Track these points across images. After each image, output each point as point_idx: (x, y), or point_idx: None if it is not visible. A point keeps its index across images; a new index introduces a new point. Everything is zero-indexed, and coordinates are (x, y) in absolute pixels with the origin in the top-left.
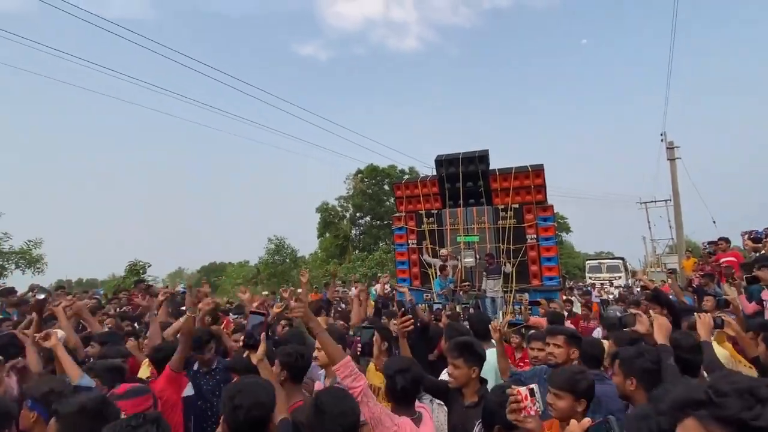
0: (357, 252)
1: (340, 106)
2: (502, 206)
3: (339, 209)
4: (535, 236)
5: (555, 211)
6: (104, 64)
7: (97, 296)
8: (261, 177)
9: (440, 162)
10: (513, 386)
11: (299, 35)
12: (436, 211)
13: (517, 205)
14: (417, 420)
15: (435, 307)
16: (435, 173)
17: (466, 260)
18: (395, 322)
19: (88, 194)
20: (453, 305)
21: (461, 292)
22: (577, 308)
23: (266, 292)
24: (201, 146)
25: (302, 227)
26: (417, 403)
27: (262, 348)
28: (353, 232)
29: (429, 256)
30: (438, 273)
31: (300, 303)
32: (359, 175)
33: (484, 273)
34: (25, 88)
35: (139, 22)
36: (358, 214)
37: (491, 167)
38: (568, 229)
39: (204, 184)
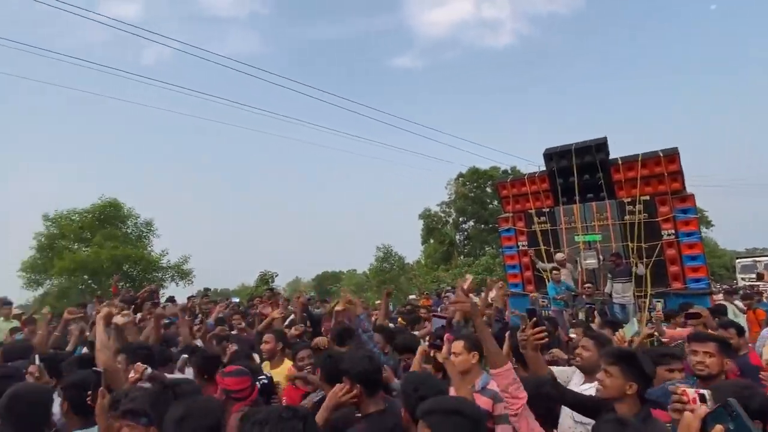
0: (462, 257)
1: (437, 111)
2: (628, 199)
3: (441, 215)
4: (673, 231)
5: (695, 203)
6: (237, 99)
7: (235, 303)
8: (367, 188)
9: (550, 156)
10: (679, 385)
11: (392, 48)
12: (548, 210)
13: (647, 197)
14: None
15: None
16: (543, 169)
17: (587, 262)
18: (522, 333)
19: (219, 209)
20: (575, 311)
21: (583, 296)
22: (736, 316)
23: (378, 301)
24: (313, 164)
25: (407, 234)
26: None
27: (445, 348)
28: (458, 237)
29: (544, 261)
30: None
31: (463, 297)
32: (460, 179)
33: (610, 276)
34: (172, 124)
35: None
36: (461, 219)
37: (611, 156)
38: (708, 223)
39: (317, 197)
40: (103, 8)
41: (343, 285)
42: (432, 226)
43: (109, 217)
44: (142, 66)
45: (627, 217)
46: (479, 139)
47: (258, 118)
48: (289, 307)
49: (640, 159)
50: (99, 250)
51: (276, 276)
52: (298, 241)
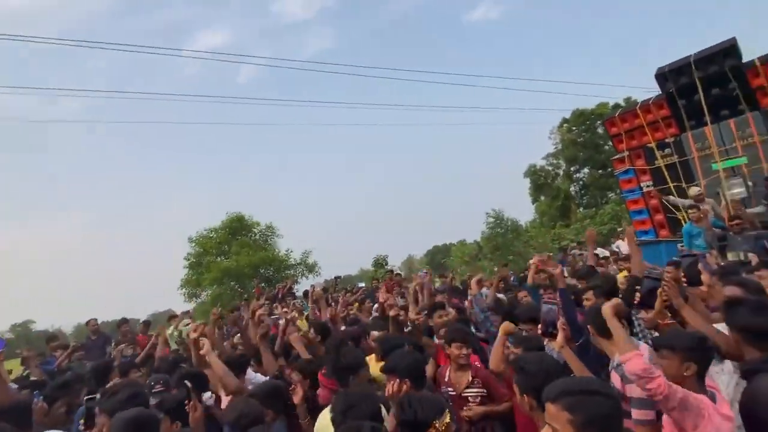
0: (582, 209)
1: (527, 60)
2: None
3: (549, 168)
4: None
5: None
6: (322, 98)
7: (362, 287)
8: (468, 156)
9: (663, 75)
10: None
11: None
12: (672, 139)
13: None
14: (711, 398)
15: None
16: (660, 93)
17: (733, 192)
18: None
19: (330, 202)
20: (715, 255)
21: (732, 234)
22: None
23: (497, 268)
24: (411, 144)
25: (516, 197)
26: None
27: (560, 336)
28: (572, 188)
29: (674, 195)
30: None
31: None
32: (565, 125)
33: (765, 204)
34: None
35: (330, 51)
36: (572, 168)
37: (744, 60)
38: None
39: (420, 174)
40: (187, 43)
41: (454, 257)
42: (540, 182)
43: (237, 229)
44: (238, 86)
45: None
46: (580, 77)
47: (342, 111)
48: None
49: None
50: (237, 258)
51: (387, 257)
52: (408, 220)
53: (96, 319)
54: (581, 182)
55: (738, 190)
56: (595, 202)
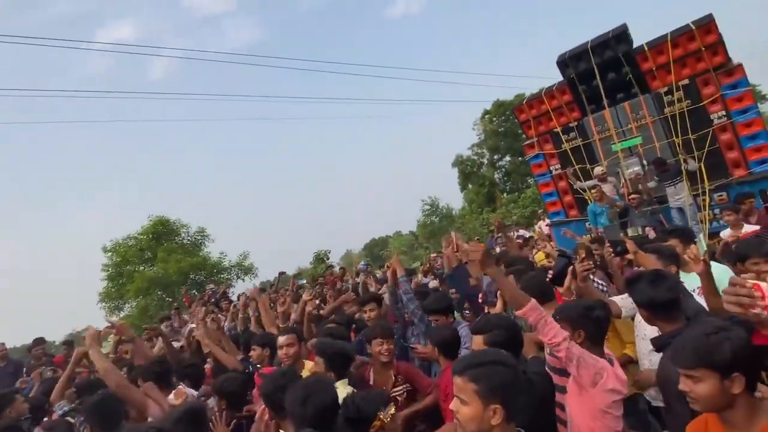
0: (506, 195)
1: (448, 53)
2: (665, 89)
3: (475, 158)
4: (723, 113)
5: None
6: (240, 92)
7: (302, 284)
8: (397, 149)
9: (564, 62)
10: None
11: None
12: (575, 123)
13: (686, 81)
14: (609, 362)
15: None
16: (562, 79)
17: (630, 171)
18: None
19: (260, 199)
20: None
21: (634, 209)
22: None
23: (434, 254)
24: (339, 138)
25: (447, 187)
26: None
27: (567, 281)
28: (496, 176)
29: (580, 180)
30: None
31: (476, 246)
32: (486, 117)
33: (656, 180)
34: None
35: (249, 44)
36: (495, 157)
37: (635, 45)
38: (763, 98)
39: (352, 169)
40: (100, 35)
41: (391, 248)
42: (468, 171)
43: (162, 234)
44: (150, 82)
45: (667, 109)
46: (499, 70)
47: (262, 105)
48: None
49: (669, 39)
50: (165, 265)
51: (329, 253)
52: (343, 215)
53: (3, 344)
54: (504, 170)
55: (635, 169)
56: (517, 187)
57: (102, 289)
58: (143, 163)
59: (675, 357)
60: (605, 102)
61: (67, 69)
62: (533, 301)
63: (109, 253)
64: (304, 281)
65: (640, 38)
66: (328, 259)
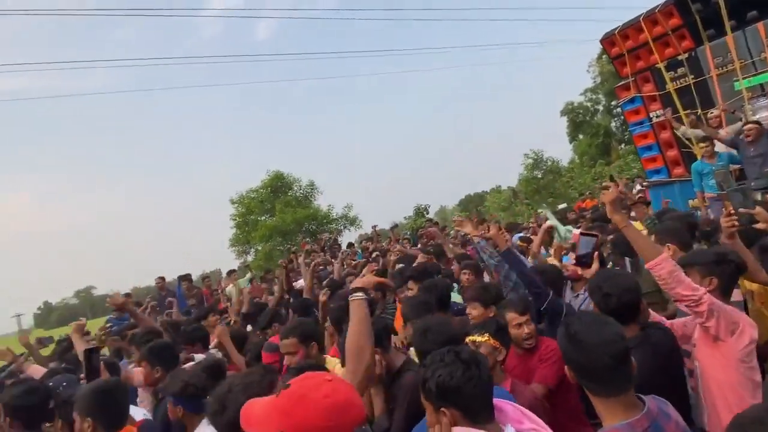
0: (623, 145)
1: None
2: None
3: (588, 104)
4: None
5: None
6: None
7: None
8: (497, 100)
9: None
10: None
11: None
12: (685, 56)
13: None
14: None
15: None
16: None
17: (761, 116)
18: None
19: (366, 157)
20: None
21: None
22: None
23: (542, 211)
24: (442, 90)
25: (554, 139)
26: None
27: (595, 266)
28: (613, 124)
29: (686, 125)
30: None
31: (615, 187)
32: (604, 57)
33: None
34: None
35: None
36: (613, 103)
37: None
38: None
39: (449, 122)
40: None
41: (489, 204)
42: (579, 120)
43: (278, 187)
44: (258, 43)
45: None
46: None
47: (367, 60)
48: None
49: None
50: (282, 215)
51: (428, 207)
52: (438, 170)
53: (163, 277)
54: (621, 117)
55: (766, 114)
56: None
57: (232, 235)
58: (260, 121)
59: None
60: (728, 25)
61: (180, 37)
62: (666, 252)
63: (235, 205)
64: (408, 233)
65: None
66: (427, 213)
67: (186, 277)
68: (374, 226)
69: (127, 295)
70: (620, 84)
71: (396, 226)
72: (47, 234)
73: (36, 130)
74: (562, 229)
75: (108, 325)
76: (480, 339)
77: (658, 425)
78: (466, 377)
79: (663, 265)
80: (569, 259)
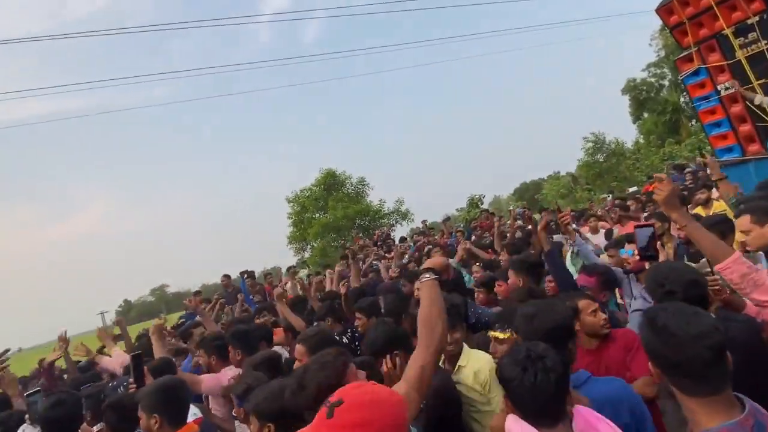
0: (695, 122)
1: None
2: None
3: (652, 80)
4: None
5: None
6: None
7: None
8: (551, 83)
9: None
10: None
11: None
12: (756, 19)
13: None
14: None
15: None
16: None
17: None
18: None
19: (415, 151)
20: None
21: None
22: None
23: (604, 195)
24: (490, 76)
25: (614, 119)
26: None
27: (661, 257)
28: (681, 99)
29: (761, 93)
30: None
31: (668, 182)
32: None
33: None
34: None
35: None
36: (680, 77)
37: None
38: None
39: (502, 110)
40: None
41: (547, 192)
42: (643, 98)
43: (331, 185)
44: (306, 45)
45: None
46: None
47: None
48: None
49: None
50: (334, 212)
51: (483, 197)
52: (490, 160)
53: (228, 275)
54: None
55: None
56: None
57: (289, 233)
58: (312, 122)
59: None
60: None
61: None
62: (737, 252)
63: (291, 203)
64: (461, 225)
65: None
66: (482, 203)
67: (248, 273)
68: (424, 221)
69: (197, 293)
70: (681, 55)
71: (448, 219)
72: (126, 234)
73: (113, 143)
74: None
75: (180, 320)
76: (502, 335)
77: (761, 423)
78: (523, 378)
79: (734, 267)
80: (631, 252)
